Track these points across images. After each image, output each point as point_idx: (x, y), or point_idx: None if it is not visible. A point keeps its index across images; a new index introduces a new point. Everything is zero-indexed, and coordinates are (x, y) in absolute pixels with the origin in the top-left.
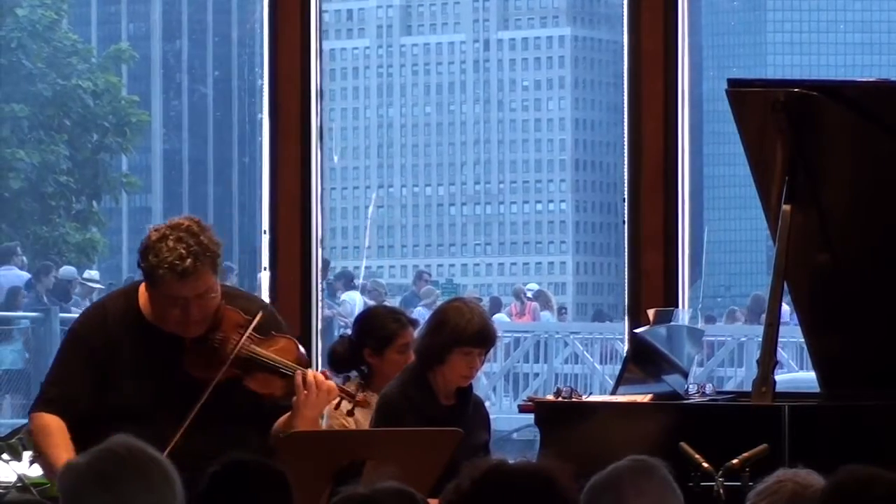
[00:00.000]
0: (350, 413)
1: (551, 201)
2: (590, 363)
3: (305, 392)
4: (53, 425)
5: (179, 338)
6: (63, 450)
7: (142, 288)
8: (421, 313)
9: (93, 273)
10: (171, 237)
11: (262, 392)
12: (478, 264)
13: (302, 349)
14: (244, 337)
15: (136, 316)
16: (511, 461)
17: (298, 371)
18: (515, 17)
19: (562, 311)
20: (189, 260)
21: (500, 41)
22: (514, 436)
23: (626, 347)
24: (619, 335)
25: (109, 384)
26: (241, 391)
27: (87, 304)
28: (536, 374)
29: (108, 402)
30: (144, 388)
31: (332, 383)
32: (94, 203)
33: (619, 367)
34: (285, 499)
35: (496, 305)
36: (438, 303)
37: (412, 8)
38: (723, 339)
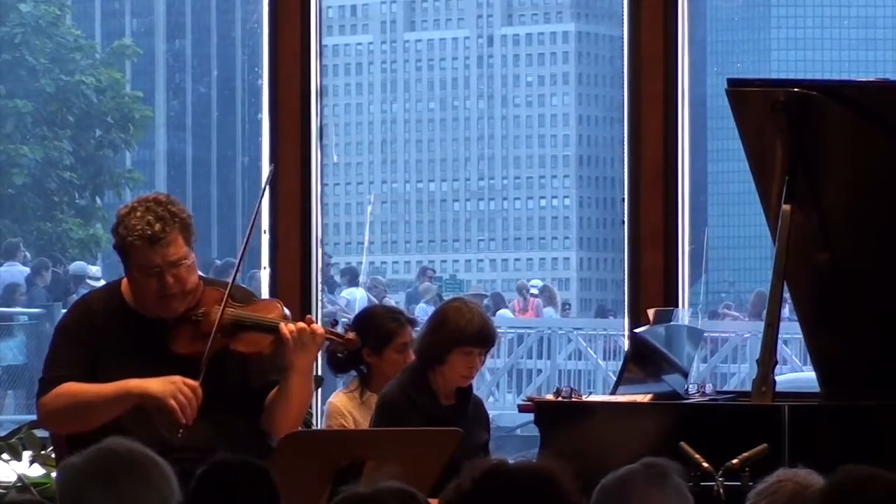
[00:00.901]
0: (342, 355)
1: (555, 197)
2: (593, 359)
3: (292, 340)
4: (69, 385)
5: (164, 322)
6: (99, 386)
7: (124, 280)
8: (423, 309)
9: (94, 269)
10: (139, 209)
11: (249, 352)
12: (481, 260)
13: (286, 309)
14: (224, 301)
15: (120, 304)
16: (511, 461)
17: (282, 322)
18: (519, 13)
19: (565, 306)
20: (158, 225)
21: (503, 37)
22: (518, 432)
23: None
24: (622, 331)
25: (101, 372)
26: (228, 368)
27: None
28: (540, 371)
29: None
30: (134, 373)
31: (318, 326)
32: (98, 199)
33: (622, 363)
34: (271, 498)
35: (500, 301)
36: (438, 299)
37: (416, 4)
38: (727, 335)
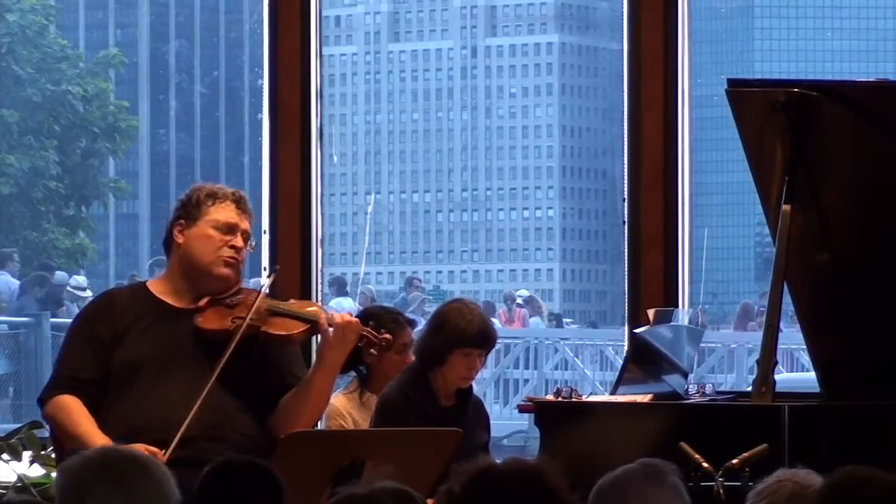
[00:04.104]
0: (374, 350)
1: (538, 208)
2: (580, 369)
3: (331, 331)
4: (70, 403)
5: (190, 311)
6: (88, 423)
7: (150, 281)
8: None
9: (80, 279)
10: (221, 187)
11: (279, 334)
12: (465, 271)
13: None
14: (261, 289)
15: (145, 294)
16: (500, 461)
17: (323, 313)
18: (503, 24)
19: (551, 317)
20: (243, 193)
21: (487, 48)
22: (505, 441)
23: (625, 348)
24: (609, 341)
25: (117, 350)
26: (249, 358)
27: (76, 309)
28: (526, 380)
29: (118, 360)
30: (153, 342)
31: (356, 320)
32: (84, 208)
33: (609, 372)
34: (276, 497)
35: (490, 310)
36: (425, 308)
37: (400, 15)
38: (713, 345)
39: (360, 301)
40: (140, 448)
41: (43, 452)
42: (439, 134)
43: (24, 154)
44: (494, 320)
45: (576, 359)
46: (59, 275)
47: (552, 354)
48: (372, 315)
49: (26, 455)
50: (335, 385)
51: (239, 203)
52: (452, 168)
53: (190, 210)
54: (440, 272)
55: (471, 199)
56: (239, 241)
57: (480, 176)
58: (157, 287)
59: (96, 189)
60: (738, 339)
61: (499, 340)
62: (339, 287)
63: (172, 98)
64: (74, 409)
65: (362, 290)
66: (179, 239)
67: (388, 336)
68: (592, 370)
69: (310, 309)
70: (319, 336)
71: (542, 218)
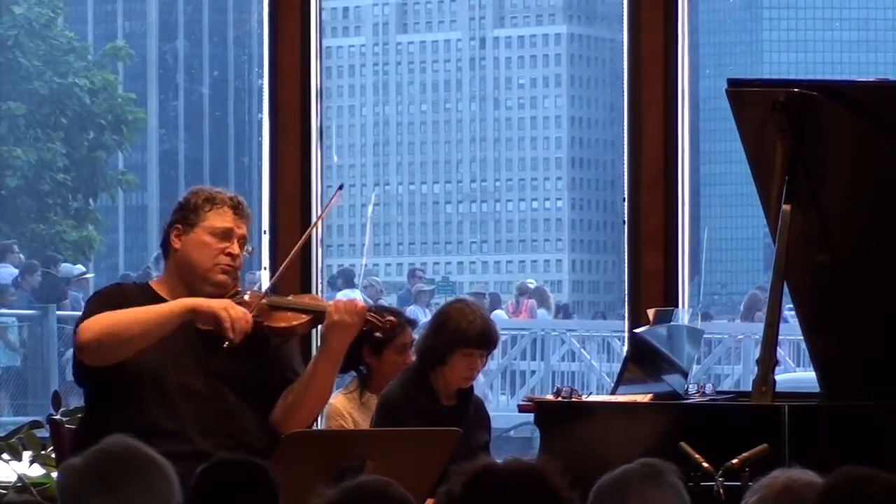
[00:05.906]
0: (382, 332)
1: (547, 199)
2: (587, 360)
3: (336, 313)
4: (109, 311)
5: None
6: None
7: (153, 281)
8: (412, 312)
9: (80, 267)
10: (220, 191)
11: (281, 326)
12: (473, 262)
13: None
14: (266, 290)
15: (151, 293)
16: (500, 461)
17: (325, 303)
18: (511, 15)
19: (559, 308)
20: (241, 199)
21: (496, 39)
22: (512, 433)
23: (625, 346)
24: (615, 332)
25: None
26: (250, 353)
27: (82, 295)
28: (533, 372)
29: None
30: (156, 345)
31: (361, 303)
32: (91, 201)
33: (616, 364)
34: (270, 497)
35: (495, 302)
36: (429, 300)
37: (408, 6)
38: (720, 336)
39: (365, 293)
40: (228, 301)
41: (43, 452)
42: (447, 125)
43: (31, 146)
44: (501, 312)
45: (582, 350)
46: (64, 267)
47: (559, 346)
48: None
49: (26, 455)
50: (335, 385)
51: (237, 209)
52: (461, 159)
53: (187, 215)
54: (449, 263)
55: (479, 190)
56: (235, 248)
57: (489, 167)
58: (158, 287)
59: (104, 181)
60: (746, 330)
61: (506, 332)
62: (347, 279)
63: (180, 93)
64: (111, 312)
65: (370, 282)
66: (176, 244)
67: (392, 319)
68: (599, 361)
69: (311, 300)
70: (321, 326)
71: (550, 209)
